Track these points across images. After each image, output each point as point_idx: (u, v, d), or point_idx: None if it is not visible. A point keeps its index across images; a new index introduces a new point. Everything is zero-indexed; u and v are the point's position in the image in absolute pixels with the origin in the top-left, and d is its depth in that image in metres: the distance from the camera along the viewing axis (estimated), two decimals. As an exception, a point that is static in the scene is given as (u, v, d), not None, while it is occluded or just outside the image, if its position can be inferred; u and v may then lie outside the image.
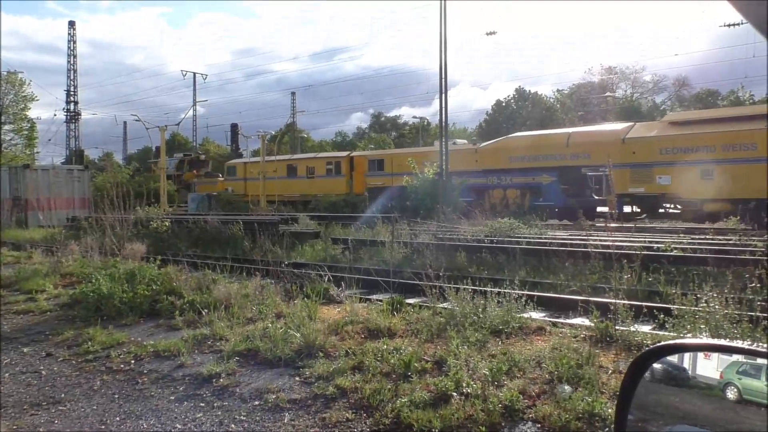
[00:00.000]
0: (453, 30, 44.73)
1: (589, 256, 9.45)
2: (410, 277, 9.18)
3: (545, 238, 13.09)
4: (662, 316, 5.36)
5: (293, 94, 75.20)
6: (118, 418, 4.50)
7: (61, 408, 4.78)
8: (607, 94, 55.39)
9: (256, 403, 4.60)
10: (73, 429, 4.38)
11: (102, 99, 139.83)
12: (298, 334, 5.70)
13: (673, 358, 1.50)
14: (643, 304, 6.16)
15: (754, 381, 1.35)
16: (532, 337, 5.61)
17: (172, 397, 4.85)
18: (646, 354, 1.50)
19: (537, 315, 6.66)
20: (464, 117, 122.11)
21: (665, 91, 64.08)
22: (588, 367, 4.49)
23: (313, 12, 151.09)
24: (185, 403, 4.72)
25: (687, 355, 1.50)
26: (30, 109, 52.15)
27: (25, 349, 6.54)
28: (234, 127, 51.06)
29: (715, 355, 1.46)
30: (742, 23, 32.35)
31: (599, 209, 23.20)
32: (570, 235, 14.17)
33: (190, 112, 61.43)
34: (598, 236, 12.22)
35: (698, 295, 5.25)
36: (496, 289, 6.85)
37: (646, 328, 5.65)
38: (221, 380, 5.07)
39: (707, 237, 12.78)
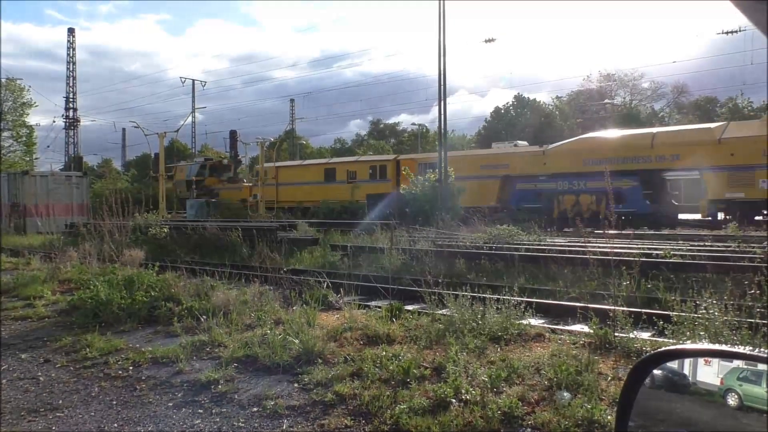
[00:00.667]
0: (452, 37, 44.84)
1: (587, 262, 9.44)
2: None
3: (544, 245, 13.08)
4: (661, 322, 5.35)
5: (292, 100, 75.35)
6: (116, 425, 4.48)
7: (58, 414, 4.76)
8: (606, 101, 55.51)
9: (255, 409, 4.59)
10: (71, 436, 4.36)
11: (101, 106, 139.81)
12: (296, 341, 5.68)
13: (673, 364, 1.49)
14: (642, 310, 6.14)
15: (755, 387, 1.35)
16: (531, 343, 5.60)
17: (171, 404, 4.83)
18: (646, 360, 1.50)
19: (536, 322, 6.65)
20: (463, 124, 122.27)
21: (664, 98, 64.32)
22: (587, 373, 4.48)
23: (313, 19, 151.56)
24: (183, 409, 4.70)
25: (687, 362, 1.50)
26: (29, 115, 52.36)
27: (23, 356, 6.52)
28: (233, 134, 50.86)
29: (715, 361, 1.46)
30: (740, 30, 32.53)
31: (681, 216, 21.73)
32: (568, 241, 14.17)
33: (189, 119, 61.70)
34: (596, 243, 12.21)
35: (697, 302, 5.24)
36: (495, 296, 6.84)
37: (645, 335, 5.64)
38: (220, 387, 5.06)
39: (706, 243, 12.79)
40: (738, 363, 1.41)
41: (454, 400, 4.23)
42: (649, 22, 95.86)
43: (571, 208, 23.39)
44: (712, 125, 22.70)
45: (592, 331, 5.51)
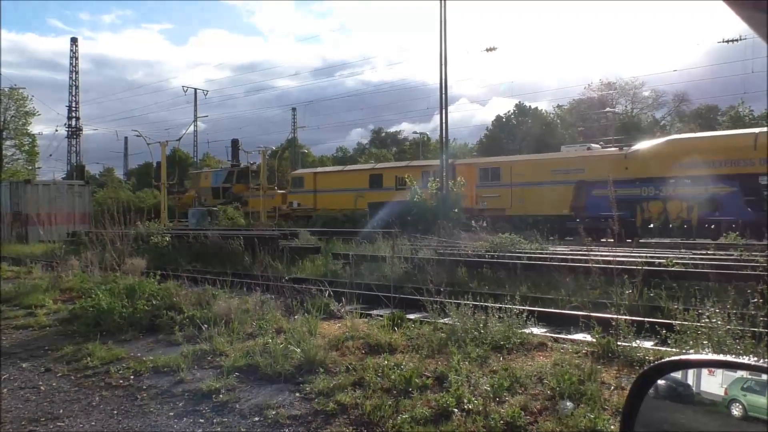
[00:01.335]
0: (453, 46, 44.77)
1: (590, 271, 9.42)
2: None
3: (546, 254, 13.06)
4: (664, 331, 5.33)
5: (294, 109, 75.52)
6: (116, 435, 4.47)
7: (59, 424, 4.75)
8: (608, 109, 55.54)
9: (256, 419, 4.57)
10: (72, 445, 4.35)
11: (103, 114, 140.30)
12: (298, 350, 5.67)
13: (677, 375, 1.49)
14: (645, 319, 6.12)
15: (759, 397, 1.34)
16: (533, 352, 5.59)
17: (172, 413, 4.82)
18: (650, 370, 1.49)
19: (538, 330, 6.63)
20: (464, 132, 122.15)
21: (665, 107, 64.40)
22: (590, 383, 4.47)
23: (315, 29, 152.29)
24: (185, 419, 4.69)
25: (691, 372, 1.49)
26: (31, 124, 52.64)
27: (24, 365, 6.51)
28: (235, 143, 50.89)
29: (719, 372, 1.45)
30: (740, 39, 32.57)
31: None
32: (571, 250, 14.15)
33: (191, 128, 61.85)
34: (599, 251, 12.19)
35: (700, 311, 5.22)
36: (498, 305, 6.83)
37: (648, 344, 5.62)
38: (221, 396, 5.04)
39: (709, 252, 12.76)
40: (742, 373, 1.40)
41: (456, 410, 4.22)
42: (649, 31, 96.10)
43: (658, 216, 21.53)
44: None
45: (594, 340, 5.49)
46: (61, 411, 5.04)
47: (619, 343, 5.33)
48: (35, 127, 62.29)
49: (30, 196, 28.98)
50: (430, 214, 21.24)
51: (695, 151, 20.90)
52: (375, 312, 8.27)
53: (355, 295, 8.98)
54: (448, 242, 15.86)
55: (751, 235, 17.42)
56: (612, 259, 7.98)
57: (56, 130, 62.43)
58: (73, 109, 63.98)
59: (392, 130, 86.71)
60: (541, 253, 13.11)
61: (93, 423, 4.73)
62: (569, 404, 4.17)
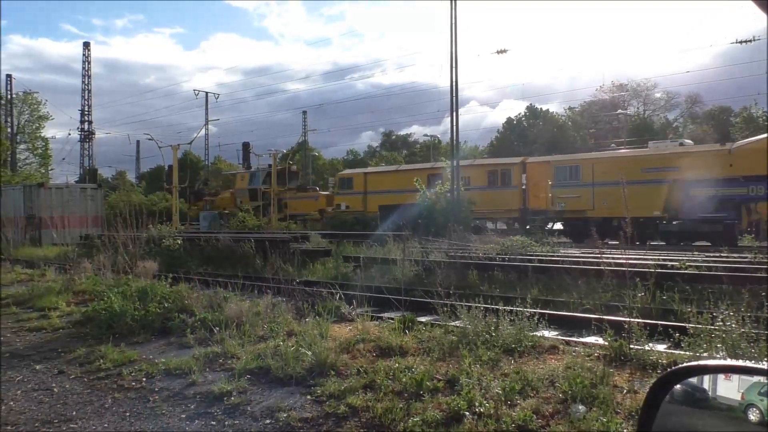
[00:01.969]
0: (463, 48, 44.71)
1: (602, 274, 9.37)
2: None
3: (557, 256, 13.01)
4: (677, 334, 5.29)
5: (305, 112, 75.67)
6: (129, 437, 4.49)
7: (72, 426, 4.78)
8: (619, 111, 55.30)
9: (268, 421, 4.57)
10: (85, 447, 4.37)
11: (115, 118, 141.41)
12: (309, 353, 5.67)
13: (693, 380, 1.47)
14: (658, 322, 6.08)
15: (777, 402, 1.32)
16: (545, 355, 5.55)
17: (183, 416, 4.84)
18: (666, 376, 1.47)
19: (550, 333, 6.60)
20: (475, 135, 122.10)
21: (677, 108, 64.04)
22: (602, 386, 4.43)
23: (326, 32, 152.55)
24: (196, 421, 4.70)
25: (707, 377, 1.48)
26: (45, 128, 53.18)
27: (38, 367, 6.56)
28: (246, 146, 51.01)
29: (735, 376, 1.43)
30: (754, 39, 32.33)
31: None
32: (582, 253, 14.08)
33: (203, 131, 62.15)
34: (611, 254, 12.13)
35: (714, 314, 5.17)
36: (509, 308, 6.80)
37: (661, 347, 5.57)
38: (232, 398, 5.05)
39: (722, 255, 12.66)
40: (759, 378, 1.38)
41: (467, 413, 4.20)
42: (661, 33, 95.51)
43: None
44: None
45: (606, 343, 5.44)
46: (74, 413, 5.06)
47: (631, 346, 5.29)
48: (48, 131, 62.67)
49: (43, 199, 29.22)
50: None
51: None
52: (386, 315, 8.26)
53: (366, 298, 8.98)
54: (460, 245, 15.83)
55: None
56: (624, 261, 7.93)
57: (69, 134, 63.17)
58: (86, 113, 64.42)
59: (403, 132, 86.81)
60: (552, 256, 13.05)
61: (105, 425, 4.75)
62: (581, 408, 4.14)
